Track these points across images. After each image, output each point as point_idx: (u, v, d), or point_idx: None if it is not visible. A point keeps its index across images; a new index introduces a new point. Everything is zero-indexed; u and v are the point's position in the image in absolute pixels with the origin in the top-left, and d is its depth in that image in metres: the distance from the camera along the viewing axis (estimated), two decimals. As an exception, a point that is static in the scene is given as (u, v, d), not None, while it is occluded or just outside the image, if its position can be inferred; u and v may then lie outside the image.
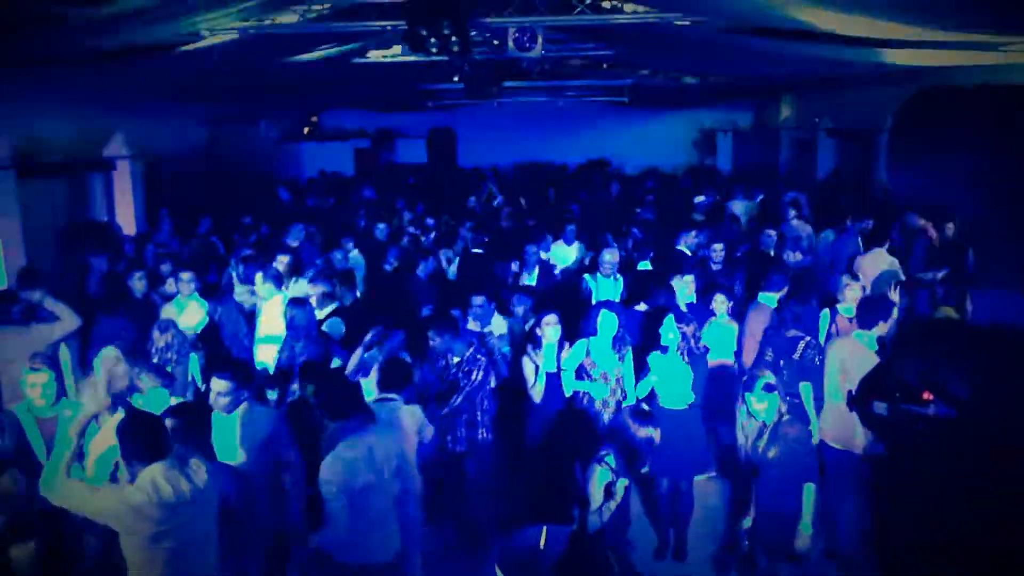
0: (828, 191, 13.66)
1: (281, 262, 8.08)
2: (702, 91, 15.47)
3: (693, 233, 9.30)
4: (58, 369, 5.48)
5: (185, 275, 7.32)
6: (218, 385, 4.69)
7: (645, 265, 8.69)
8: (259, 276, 7.47)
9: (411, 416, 5.10)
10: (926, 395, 3.88)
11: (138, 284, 7.85)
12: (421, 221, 12.17)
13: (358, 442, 4.13)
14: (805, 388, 5.94)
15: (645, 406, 5.14)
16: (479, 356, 5.96)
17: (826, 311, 6.88)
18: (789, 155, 16.91)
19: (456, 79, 12.11)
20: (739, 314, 7.19)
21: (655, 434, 4.37)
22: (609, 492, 2.47)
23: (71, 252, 9.92)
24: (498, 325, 6.98)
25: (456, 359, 5.91)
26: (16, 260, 9.24)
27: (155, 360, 5.93)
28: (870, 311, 5.82)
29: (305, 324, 6.44)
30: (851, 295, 6.61)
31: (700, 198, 13.04)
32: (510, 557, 2.46)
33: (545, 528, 2.58)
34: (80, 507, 3.65)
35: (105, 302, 7.54)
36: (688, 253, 8.94)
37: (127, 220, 12.01)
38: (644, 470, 4.40)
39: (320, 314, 6.98)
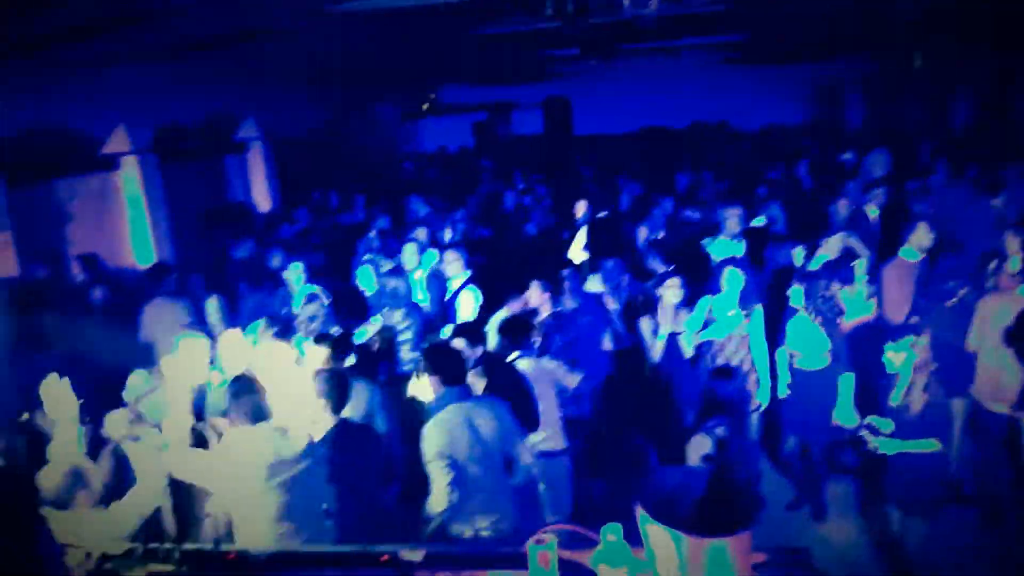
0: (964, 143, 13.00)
1: (420, 234, 8.34)
2: (822, 43, 14.87)
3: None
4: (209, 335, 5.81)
5: (297, 265, 7.55)
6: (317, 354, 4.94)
7: (760, 222, 8.48)
8: (411, 247, 7.69)
9: (542, 368, 5.20)
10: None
11: (275, 261, 8.27)
12: (533, 189, 12.25)
13: (458, 409, 4.12)
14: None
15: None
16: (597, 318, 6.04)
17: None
18: (920, 107, 16.10)
19: (572, 45, 12.07)
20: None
21: (743, 388, 4.36)
22: (721, 446, 2.50)
23: (212, 234, 10.52)
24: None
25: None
26: (164, 241, 9.89)
27: (301, 332, 6.19)
28: None
29: (407, 293, 6.68)
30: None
31: (847, 155, 12.50)
32: (651, 497, 2.51)
33: (685, 471, 2.60)
34: (186, 472, 3.82)
35: (249, 278, 8.04)
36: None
37: (262, 199, 12.56)
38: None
39: (455, 283, 7.15)
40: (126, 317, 7.32)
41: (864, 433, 4.64)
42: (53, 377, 3.85)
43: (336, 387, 4.29)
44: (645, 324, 6.11)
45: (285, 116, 13.06)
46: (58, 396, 3.80)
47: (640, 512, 2.51)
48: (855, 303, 6.69)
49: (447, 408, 4.09)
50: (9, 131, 7.83)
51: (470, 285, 7.06)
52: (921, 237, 6.53)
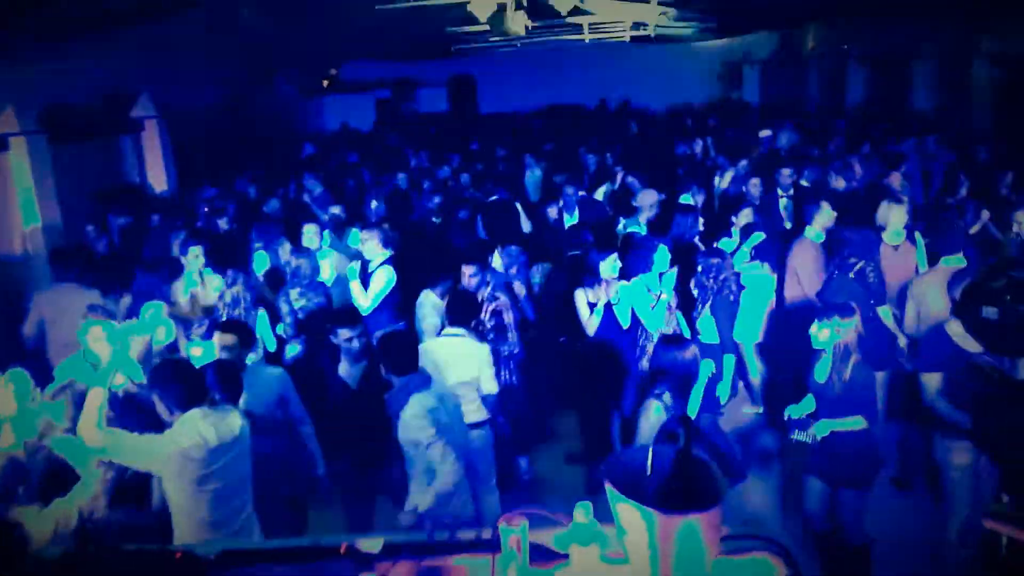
0: (859, 120, 13.50)
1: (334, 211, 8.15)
2: (724, 23, 15.19)
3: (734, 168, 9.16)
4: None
5: (195, 249, 7.10)
6: (223, 339, 4.74)
7: (687, 199, 8.61)
8: (311, 228, 7.48)
9: (481, 351, 5.15)
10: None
11: (174, 245, 7.90)
12: (432, 172, 12.08)
13: (431, 394, 4.14)
14: (884, 311, 5.93)
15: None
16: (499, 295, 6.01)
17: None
18: (817, 85, 16.64)
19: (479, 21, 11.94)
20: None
21: (696, 354, 4.39)
22: (686, 423, 2.47)
23: (106, 217, 9.99)
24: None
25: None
26: (54, 225, 9.34)
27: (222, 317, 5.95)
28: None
29: (309, 274, 6.55)
30: (896, 219, 6.51)
31: (766, 132, 12.71)
32: (618, 473, 2.47)
33: (652, 449, 2.57)
34: (126, 455, 3.66)
35: (149, 260, 7.65)
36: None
37: (158, 180, 12.01)
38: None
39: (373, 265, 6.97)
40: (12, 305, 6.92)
41: (796, 435, 4.70)
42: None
43: (228, 378, 4.12)
44: (580, 298, 6.10)
45: (182, 93, 12.50)
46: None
47: (610, 489, 2.47)
48: (756, 281, 6.85)
49: (419, 396, 4.08)
50: None
51: (386, 265, 6.90)
52: (825, 217, 6.71)
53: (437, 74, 19.65)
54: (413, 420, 4.03)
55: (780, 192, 8.59)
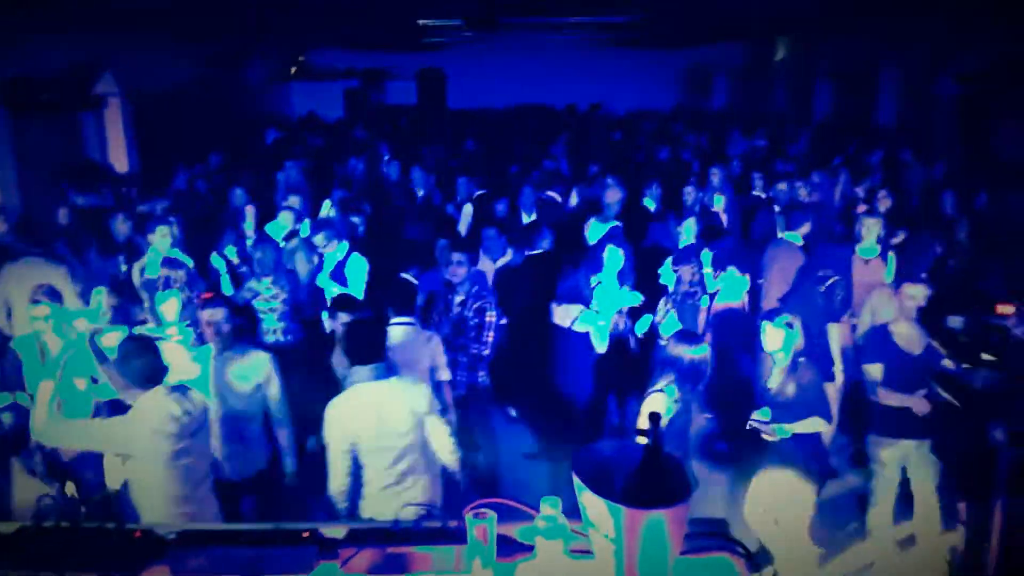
0: (824, 133, 13.69)
1: (292, 203, 8.03)
2: (696, 31, 15.33)
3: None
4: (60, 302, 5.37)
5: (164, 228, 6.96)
6: (212, 315, 4.65)
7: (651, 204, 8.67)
8: (286, 215, 7.40)
9: (429, 342, 5.11)
10: (1005, 307, 3.93)
11: (121, 227, 7.73)
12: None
13: (368, 389, 3.97)
14: (831, 329, 6.02)
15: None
16: (484, 294, 5.97)
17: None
18: (785, 96, 16.85)
19: (453, 14, 11.92)
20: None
21: (707, 354, 4.41)
22: (655, 419, 2.49)
23: (64, 194, 9.77)
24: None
25: (460, 297, 5.90)
26: (12, 201, 9.12)
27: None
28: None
29: (274, 261, 6.48)
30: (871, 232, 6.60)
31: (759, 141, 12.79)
32: (587, 467, 2.47)
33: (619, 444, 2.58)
34: (89, 442, 3.62)
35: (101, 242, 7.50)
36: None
37: (120, 160, 11.78)
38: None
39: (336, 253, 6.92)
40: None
41: (761, 429, 4.76)
42: None
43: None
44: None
45: (147, 73, 12.27)
46: None
47: (577, 483, 2.47)
48: (730, 284, 6.90)
49: (355, 388, 3.95)
50: None
51: (354, 254, 6.86)
52: (807, 226, 6.82)
53: (407, 66, 19.54)
54: (330, 412, 3.94)
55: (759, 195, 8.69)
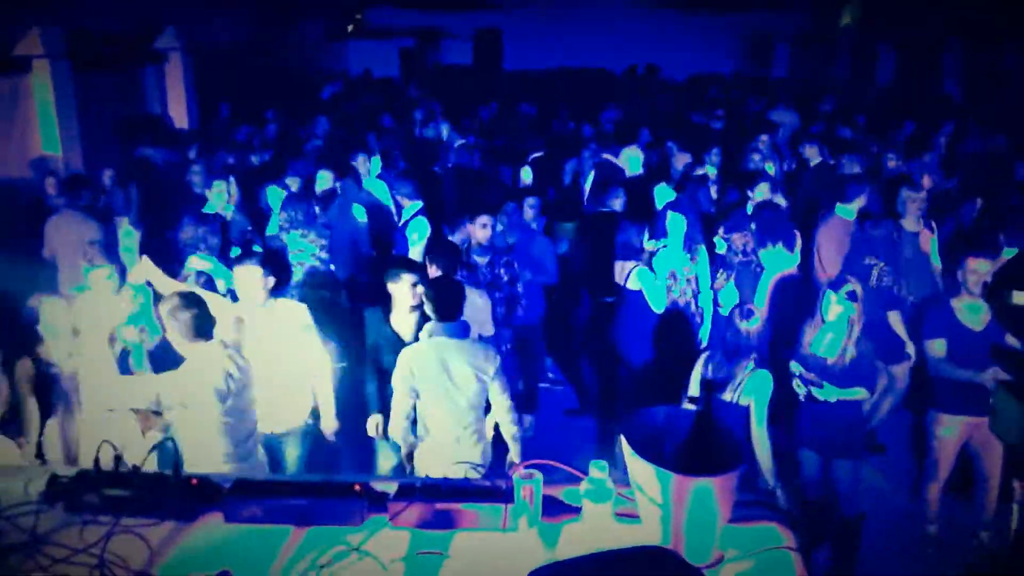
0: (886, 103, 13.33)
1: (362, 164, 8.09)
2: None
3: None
4: (117, 261, 5.46)
5: (221, 183, 7.20)
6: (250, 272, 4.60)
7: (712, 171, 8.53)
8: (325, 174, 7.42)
9: (480, 301, 5.15)
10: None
11: (196, 179, 7.86)
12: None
13: (441, 343, 4.11)
14: (891, 316, 5.89)
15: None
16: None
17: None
18: (847, 65, 16.41)
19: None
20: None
21: (752, 328, 4.39)
22: (708, 387, 2.48)
23: (126, 145, 9.96)
24: None
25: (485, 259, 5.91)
26: (74, 152, 9.33)
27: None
28: None
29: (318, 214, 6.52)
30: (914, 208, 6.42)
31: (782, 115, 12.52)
32: (637, 432, 2.47)
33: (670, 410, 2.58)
34: (143, 398, 3.69)
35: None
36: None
37: (179, 114, 11.96)
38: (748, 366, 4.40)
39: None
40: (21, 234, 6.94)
41: (802, 386, 4.72)
42: None
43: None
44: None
45: (207, 28, 12.40)
46: None
47: (626, 449, 2.47)
48: (775, 256, 6.78)
49: (429, 340, 4.11)
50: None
51: (420, 217, 6.91)
52: (862, 199, 6.65)
53: (463, 26, 19.42)
54: (401, 356, 4.13)
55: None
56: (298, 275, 6.16)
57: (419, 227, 6.78)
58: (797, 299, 5.76)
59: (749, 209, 7.13)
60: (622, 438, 2.46)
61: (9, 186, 8.29)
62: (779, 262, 6.61)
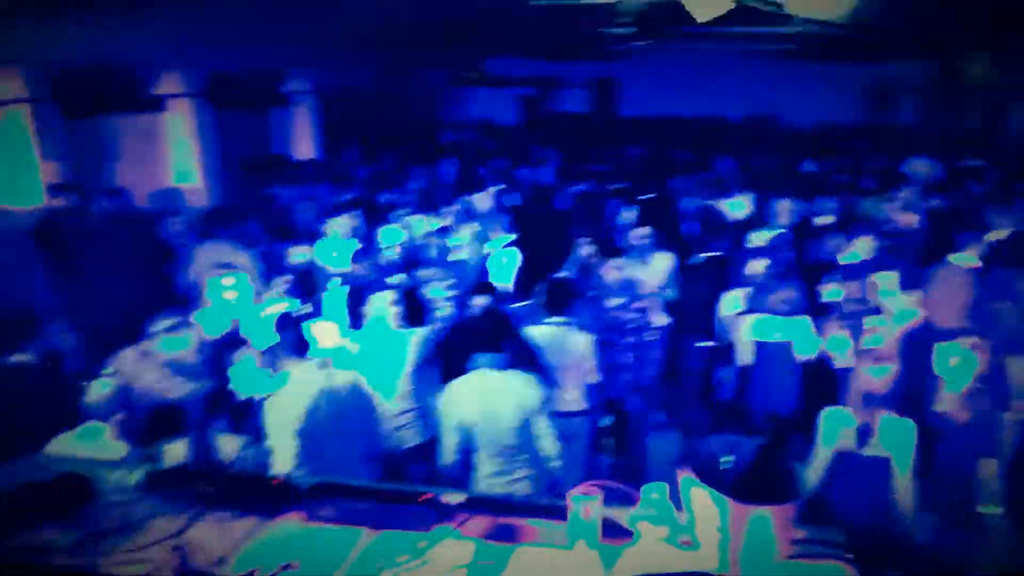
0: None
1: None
2: (880, 43, 14.66)
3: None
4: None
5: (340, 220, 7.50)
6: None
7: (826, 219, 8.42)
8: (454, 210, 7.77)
9: (583, 343, 5.21)
10: None
11: (304, 216, 8.31)
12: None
13: (482, 376, 4.15)
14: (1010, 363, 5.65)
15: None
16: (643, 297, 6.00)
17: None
18: (977, 117, 15.84)
19: (627, 23, 11.98)
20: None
21: (883, 378, 4.24)
22: (774, 419, 2.49)
23: (254, 183, 10.59)
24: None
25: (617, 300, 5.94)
26: (212, 186, 10.01)
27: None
28: None
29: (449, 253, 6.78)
30: None
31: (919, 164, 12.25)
32: (698, 461, 2.51)
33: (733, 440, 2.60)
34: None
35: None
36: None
37: (306, 153, 12.60)
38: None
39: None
40: (152, 257, 7.41)
41: None
42: None
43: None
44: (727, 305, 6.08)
45: (333, 73, 13.07)
46: None
47: (685, 475, 2.51)
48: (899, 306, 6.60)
49: (474, 372, 4.15)
50: (67, 64, 7.92)
51: (511, 248, 7.11)
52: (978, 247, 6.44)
53: (580, 75, 19.75)
54: (447, 391, 4.20)
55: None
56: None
57: (510, 256, 6.97)
58: (925, 349, 5.60)
59: (857, 257, 7.02)
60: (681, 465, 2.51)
61: (138, 216, 8.91)
62: (905, 312, 6.47)
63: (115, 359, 4.43)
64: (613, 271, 5.97)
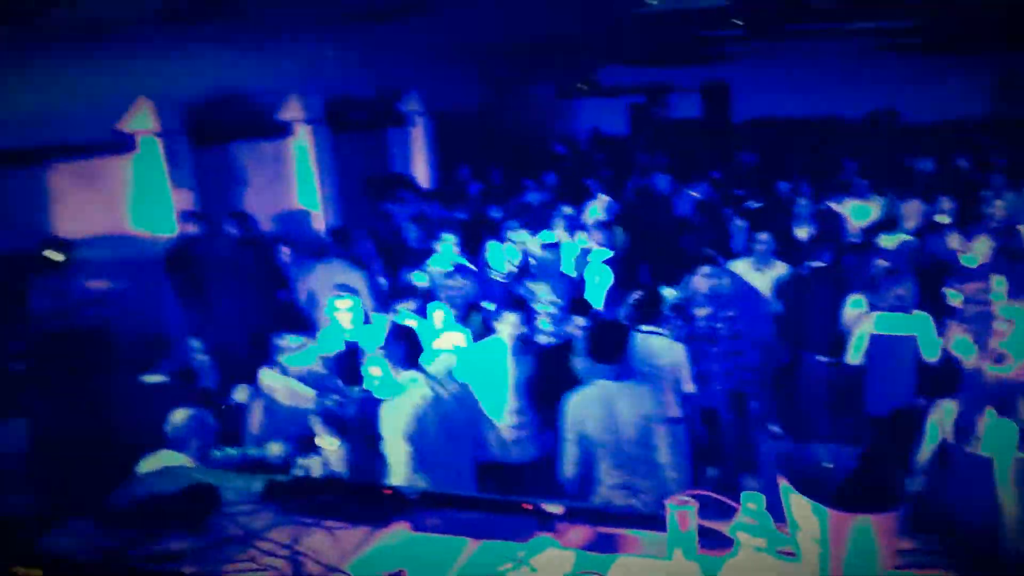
0: None
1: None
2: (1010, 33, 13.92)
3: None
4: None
5: (449, 237, 7.70)
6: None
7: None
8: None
9: (678, 353, 5.20)
10: None
11: (418, 235, 8.57)
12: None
13: (602, 388, 4.19)
14: None
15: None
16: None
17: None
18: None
19: (737, 23, 11.81)
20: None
21: (1004, 374, 4.12)
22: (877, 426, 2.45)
23: (375, 201, 10.95)
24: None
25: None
26: (331, 207, 10.43)
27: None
28: None
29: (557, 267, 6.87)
30: None
31: None
32: (795, 467, 2.50)
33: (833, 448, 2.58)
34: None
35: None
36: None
37: (422, 174, 12.94)
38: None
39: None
40: (275, 279, 7.76)
41: None
42: None
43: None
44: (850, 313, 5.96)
45: (445, 91, 13.37)
46: None
47: (784, 484, 2.51)
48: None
49: (593, 384, 4.20)
50: (195, 94, 8.43)
51: (605, 265, 7.16)
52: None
53: (690, 80, 19.50)
54: (569, 404, 4.24)
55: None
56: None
57: (603, 273, 6.99)
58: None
59: (972, 261, 6.76)
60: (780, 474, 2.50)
61: (262, 239, 9.35)
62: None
63: (249, 377, 4.74)
64: (706, 280, 5.94)
